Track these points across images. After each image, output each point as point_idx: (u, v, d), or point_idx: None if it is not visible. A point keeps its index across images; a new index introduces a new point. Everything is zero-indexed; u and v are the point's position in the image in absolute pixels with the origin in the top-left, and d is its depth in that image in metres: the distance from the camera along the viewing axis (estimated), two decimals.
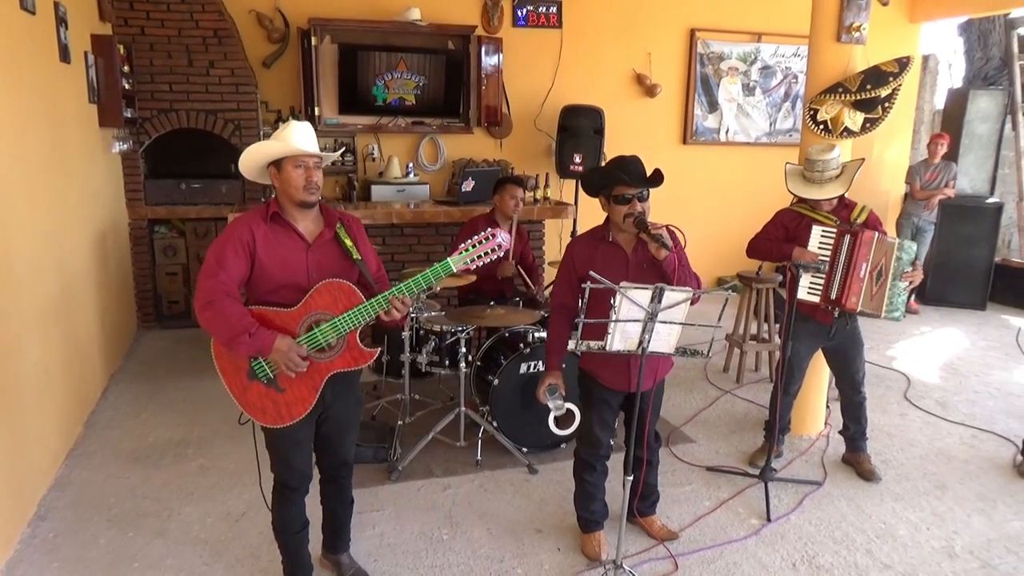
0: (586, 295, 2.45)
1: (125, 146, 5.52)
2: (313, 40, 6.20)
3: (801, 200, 3.74)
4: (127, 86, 5.49)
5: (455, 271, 2.42)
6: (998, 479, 3.90)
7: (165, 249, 6.14)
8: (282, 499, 2.65)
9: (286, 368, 2.38)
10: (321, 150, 2.47)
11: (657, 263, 2.71)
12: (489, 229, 2.45)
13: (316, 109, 6.31)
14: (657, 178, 2.74)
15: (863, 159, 3.72)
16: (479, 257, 2.42)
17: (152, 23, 5.73)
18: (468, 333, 4.04)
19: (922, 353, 6.02)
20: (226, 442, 4.10)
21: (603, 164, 3.05)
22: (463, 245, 2.43)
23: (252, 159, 2.44)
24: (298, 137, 2.38)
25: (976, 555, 3.21)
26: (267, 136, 6.18)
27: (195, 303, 2.38)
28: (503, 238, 2.43)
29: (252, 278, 2.42)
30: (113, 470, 3.77)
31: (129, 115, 5.52)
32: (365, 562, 3.00)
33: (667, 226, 2.71)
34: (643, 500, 3.24)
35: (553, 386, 2.91)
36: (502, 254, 2.46)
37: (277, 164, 2.40)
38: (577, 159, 6.58)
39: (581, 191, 5.54)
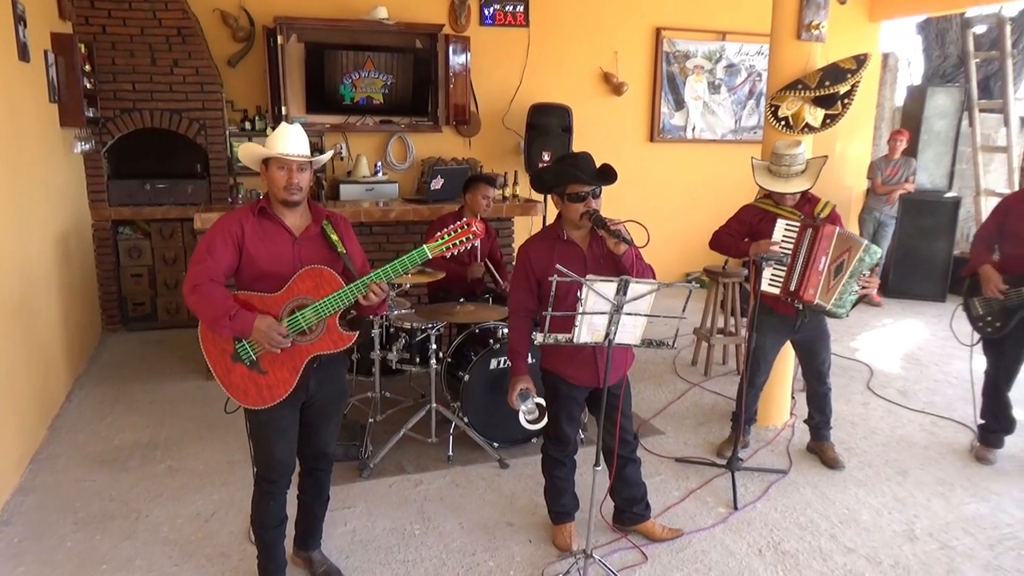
0: (553, 288, 2.48)
1: (87, 146, 5.43)
2: (279, 39, 6.16)
3: (766, 195, 3.81)
4: (89, 85, 5.41)
5: (430, 257, 2.49)
6: (956, 464, 4.01)
7: (130, 250, 6.05)
8: (262, 493, 2.68)
9: (269, 345, 2.45)
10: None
11: (614, 257, 2.75)
12: (465, 219, 2.52)
13: (283, 108, 6.27)
14: (611, 174, 2.77)
15: (826, 156, 3.79)
16: (454, 245, 2.49)
17: (114, 21, 5.65)
18: (438, 330, 4.05)
19: (884, 344, 6.16)
20: (195, 443, 4.06)
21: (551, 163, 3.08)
22: (439, 233, 2.50)
23: (247, 156, 2.59)
24: (283, 140, 2.49)
25: (935, 537, 3.30)
26: (233, 136, 6.16)
27: (184, 287, 2.49)
28: (477, 227, 2.49)
29: (240, 268, 2.53)
30: (79, 473, 3.72)
31: (91, 115, 5.44)
32: (337, 559, 3.00)
33: (624, 223, 2.74)
34: (637, 503, 3.21)
35: (525, 391, 2.90)
36: (477, 243, 2.51)
37: (266, 162, 2.53)
38: (546, 157, 6.61)
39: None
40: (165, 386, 4.89)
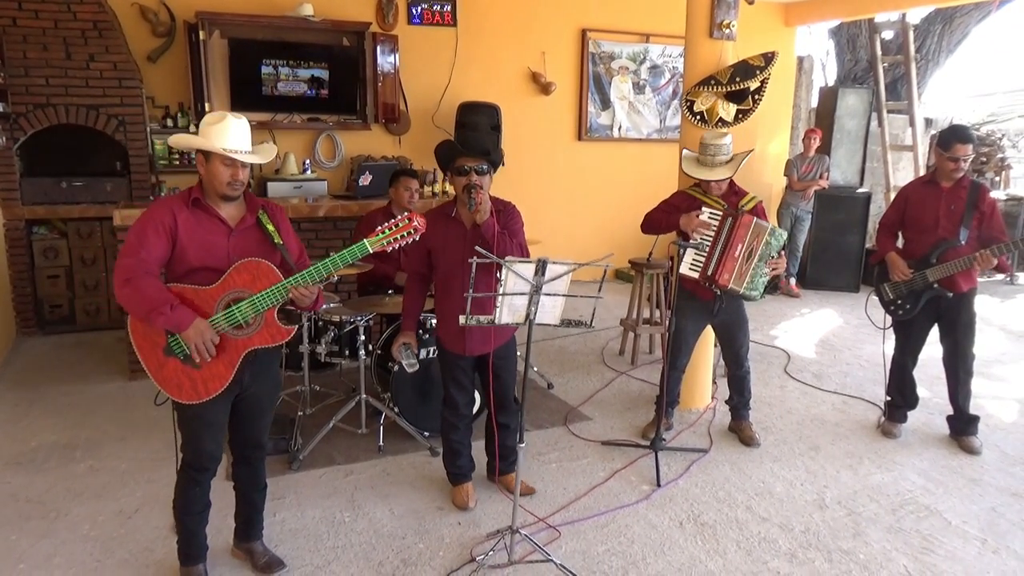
0: (473, 270, 2.55)
1: None
2: (201, 34, 6.06)
3: (696, 184, 3.98)
4: None
5: (371, 251, 2.47)
6: (864, 438, 4.25)
7: (45, 251, 5.84)
8: (188, 480, 2.66)
9: (196, 351, 2.41)
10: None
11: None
12: (407, 212, 2.50)
13: (206, 105, 6.17)
14: (494, 155, 3.00)
15: (752, 149, 3.97)
16: (395, 240, 2.47)
17: (25, 14, 5.46)
18: (367, 322, 4.07)
19: (801, 332, 6.45)
20: (117, 443, 3.97)
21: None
22: (380, 228, 2.48)
23: (182, 144, 2.54)
24: (228, 135, 2.42)
25: (843, 505, 3.50)
26: (154, 132, 6.02)
27: (114, 280, 2.40)
28: (419, 222, 2.48)
29: (172, 259, 2.46)
30: None
31: (1, 109, 5.24)
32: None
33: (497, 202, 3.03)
34: (502, 460, 3.52)
35: (406, 345, 3.23)
36: (418, 237, 2.50)
37: (206, 153, 2.44)
38: None
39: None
40: (85, 388, 4.74)
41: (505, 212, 3.09)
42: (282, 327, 2.52)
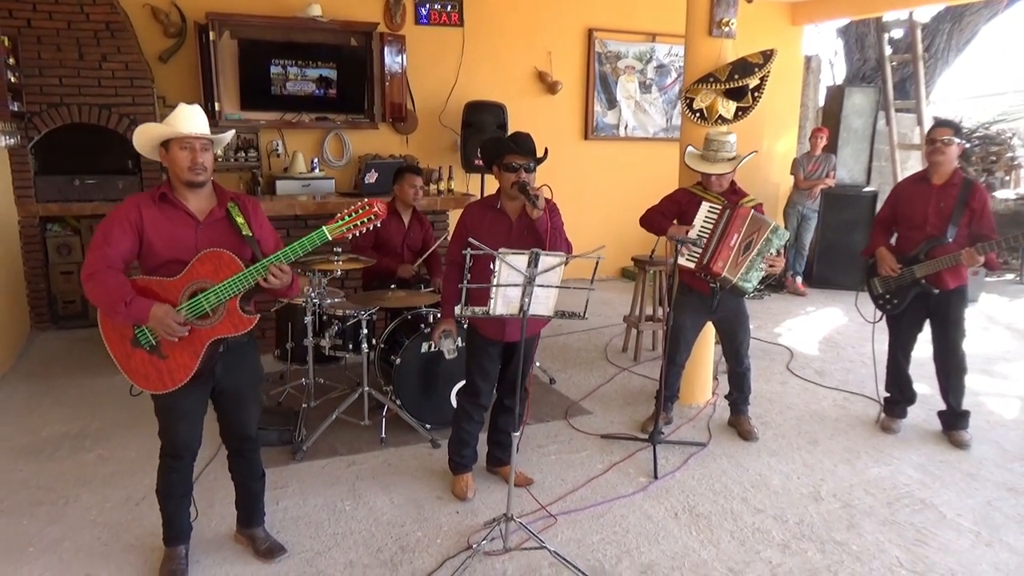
0: (468, 260, 2.61)
1: (12, 141, 5.33)
2: (211, 35, 6.16)
3: (698, 182, 4.03)
4: (13, 79, 5.32)
5: (330, 238, 2.50)
6: (863, 433, 4.28)
7: (59, 248, 5.96)
8: (165, 467, 2.75)
9: (165, 334, 2.46)
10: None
11: (536, 228, 3.01)
12: (366, 199, 2.53)
13: (216, 105, 6.26)
14: (541, 154, 3.11)
15: (756, 151, 4.02)
16: (355, 226, 2.49)
17: (39, 15, 5.57)
18: (371, 316, 4.14)
19: (805, 330, 6.47)
20: (126, 432, 4.06)
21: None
22: (339, 215, 2.51)
23: (143, 140, 2.56)
24: (184, 120, 2.48)
25: (839, 498, 3.53)
26: None
27: (81, 275, 2.50)
28: (379, 208, 2.50)
29: (142, 254, 2.53)
30: (4, 465, 3.68)
31: (16, 109, 5.35)
32: None
33: (545, 196, 3.01)
34: (507, 449, 3.47)
35: (447, 331, 3.33)
36: (379, 223, 2.52)
37: (166, 145, 2.51)
38: None
39: (485, 185, 5.79)
40: (96, 380, 4.84)
41: (550, 208, 3.13)
42: (244, 316, 2.55)
